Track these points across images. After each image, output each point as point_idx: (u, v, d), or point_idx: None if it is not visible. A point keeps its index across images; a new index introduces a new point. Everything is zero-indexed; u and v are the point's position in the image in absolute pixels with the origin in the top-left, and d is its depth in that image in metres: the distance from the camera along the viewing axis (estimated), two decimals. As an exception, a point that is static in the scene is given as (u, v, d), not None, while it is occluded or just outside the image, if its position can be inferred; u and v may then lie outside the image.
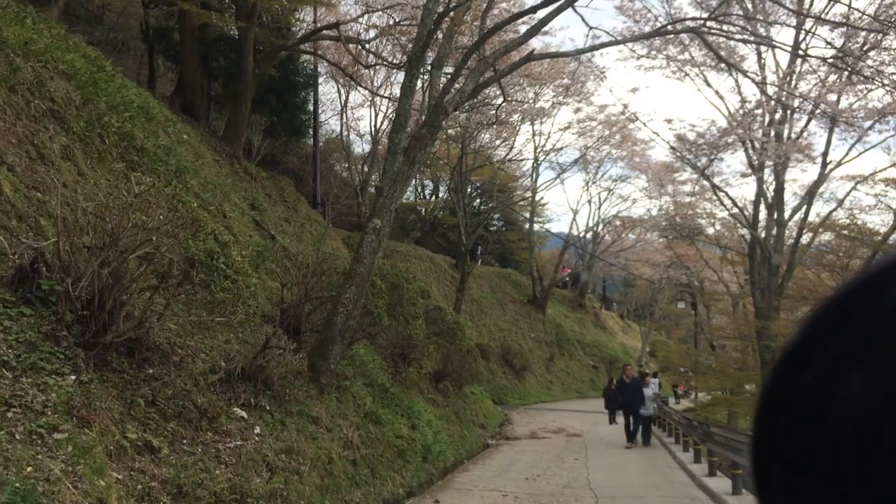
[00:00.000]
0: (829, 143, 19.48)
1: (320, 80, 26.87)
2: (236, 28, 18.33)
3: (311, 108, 25.33)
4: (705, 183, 23.90)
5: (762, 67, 17.92)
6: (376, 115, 31.38)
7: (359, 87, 27.41)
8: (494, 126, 29.06)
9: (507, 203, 39.15)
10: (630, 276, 50.04)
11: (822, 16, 12.67)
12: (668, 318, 52.33)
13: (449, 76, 10.35)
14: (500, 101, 18.42)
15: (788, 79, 16.62)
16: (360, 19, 20.27)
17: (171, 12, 19.21)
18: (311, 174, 25.42)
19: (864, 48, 13.34)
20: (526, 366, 30.69)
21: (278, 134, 23.09)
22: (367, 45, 19.32)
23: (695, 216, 27.81)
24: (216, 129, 19.96)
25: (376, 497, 8.40)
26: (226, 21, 18.71)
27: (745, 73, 14.57)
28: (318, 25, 20.84)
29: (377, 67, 25.92)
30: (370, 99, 30.40)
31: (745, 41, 12.27)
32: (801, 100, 15.93)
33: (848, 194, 21.32)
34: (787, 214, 20.62)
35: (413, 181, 40.56)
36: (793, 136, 19.19)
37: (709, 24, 10.00)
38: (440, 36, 10.73)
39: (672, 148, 22.74)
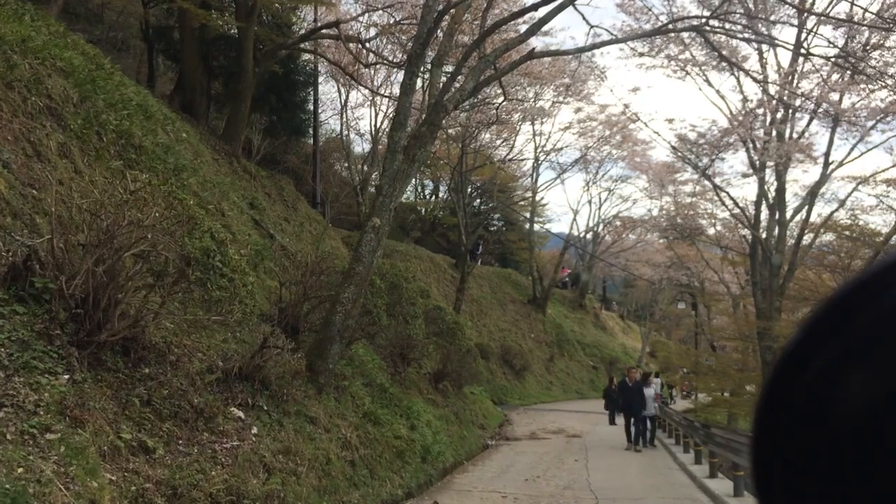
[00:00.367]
0: (831, 142, 19.43)
1: (320, 79, 26.81)
2: (236, 27, 18.26)
3: (310, 107, 25.25)
4: (706, 183, 23.84)
5: (764, 67, 17.87)
6: (376, 115, 31.33)
7: (359, 87, 27.34)
8: (495, 125, 29.00)
9: (508, 203, 39.08)
10: (630, 276, 49.95)
11: (826, 13, 12.57)
12: (668, 318, 52.24)
13: (449, 74, 10.27)
14: (500, 99, 18.32)
15: (790, 77, 16.53)
16: (361, 18, 20.19)
17: (170, 11, 19.16)
18: (311, 173, 25.34)
19: (868, 47, 13.24)
20: (526, 366, 30.61)
21: (278, 133, 23.03)
22: (367, 44, 19.24)
23: (695, 216, 27.73)
24: (216, 129, 19.89)
25: (375, 498, 8.33)
26: (226, 20, 18.65)
27: (746, 72, 14.49)
28: (318, 24, 20.75)
29: (377, 67, 25.84)
30: (370, 98, 30.33)
31: (747, 40, 12.20)
32: (803, 99, 15.83)
33: (849, 195, 21.27)
34: (788, 215, 20.55)
35: (413, 181, 40.48)
36: (794, 135, 19.12)
37: (711, 22, 9.93)
38: (440, 34, 10.66)
39: (673, 148, 22.68)
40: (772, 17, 12.40)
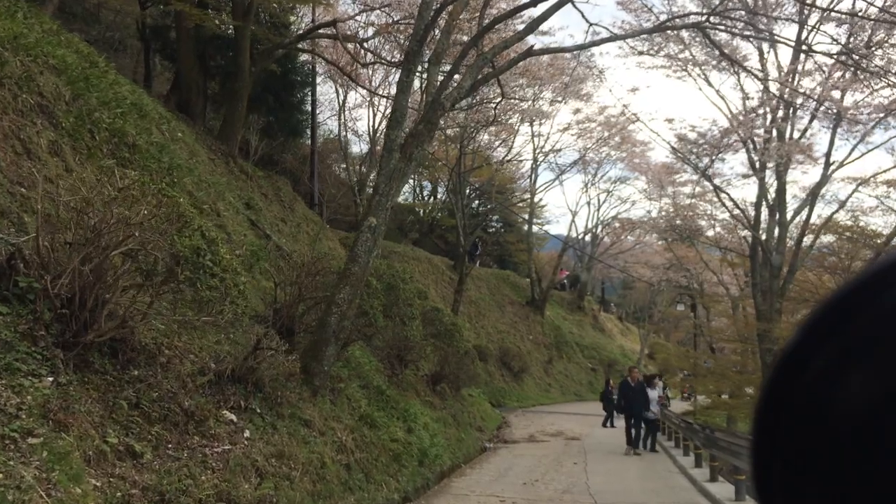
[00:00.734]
0: (832, 142, 19.31)
1: (318, 80, 26.70)
2: (233, 26, 18.12)
3: (308, 107, 25.15)
4: (706, 184, 23.73)
5: (764, 66, 17.72)
6: (374, 116, 31.26)
7: (357, 87, 27.24)
8: (493, 127, 28.90)
9: (506, 204, 38.95)
10: (629, 278, 49.81)
11: (830, 7, 12.40)
12: (666, 320, 52.08)
13: (447, 72, 10.13)
14: (498, 99, 18.17)
15: (792, 76, 16.39)
16: (359, 17, 20.06)
17: (167, 11, 19.05)
18: (309, 174, 25.22)
19: (871, 42, 13.05)
20: (524, 368, 30.46)
21: (275, 134, 22.88)
22: (364, 44, 19.12)
23: (695, 217, 27.62)
24: (213, 129, 19.75)
25: (370, 503, 8.18)
26: (222, 20, 18.52)
27: (747, 70, 14.34)
28: (316, 24, 20.62)
29: (375, 67, 25.76)
30: (369, 99, 30.25)
31: (748, 37, 12.06)
32: (804, 97, 15.68)
33: (850, 196, 21.13)
34: (788, 216, 20.43)
35: (412, 182, 40.41)
36: (795, 135, 19.00)
37: (712, 19, 9.80)
38: (437, 32, 10.52)
39: (673, 149, 22.56)
40: (774, 14, 12.25)
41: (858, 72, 10.97)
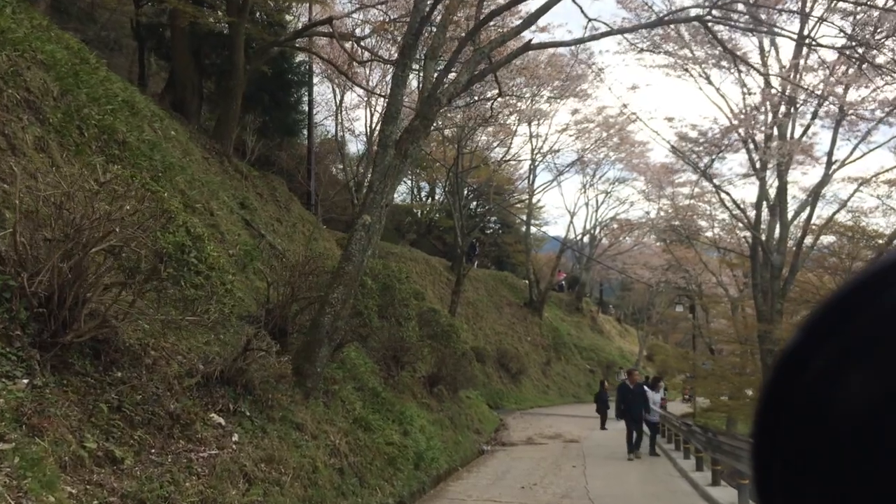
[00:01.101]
0: (833, 141, 19.13)
1: (315, 80, 26.52)
2: (227, 23, 17.91)
3: (304, 107, 24.98)
4: (705, 185, 23.56)
5: (765, 63, 17.51)
6: (372, 116, 31.01)
7: (354, 87, 27.06)
8: (491, 127, 28.73)
9: (504, 205, 38.76)
10: (627, 279, 49.62)
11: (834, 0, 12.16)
12: (665, 321, 51.91)
13: (443, 68, 9.92)
14: (495, 96, 17.97)
15: (794, 71, 16.17)
16: (355, 15, 19.86)
17: (162, 9, 18.84)
18: (305, 174, 25.03)
19: (877, 32, 12.76)
20: (522, 370, 30.27)
21: (271, 133, 22.67)
22: (361, 42, 18.92)
23: (694, 216, 27.47)
24: (208, 129, 19.53)
25: (364, 508, 7.97)
26: (217, 17, 18.29)
27: (749, 64, 14.12)
28: (312, 22, 20.42)
29: (373, 67, 25.59)
30: (366, 99, 30.08)
31: (749, 30, 11.85)
32: (807, 92, 15.45)
33: (852, 195, 20.97)
34: (789, 215, 20.24)
35: (409, 183, 40.28)
36: (797, 133, 18.83)
37: (714, 12, 9.59)
38: (433, 29, 10.32)
39: (673, 148, 22.37)
40: (777, 6, 12.02)
41: (864, 66, 10.76)
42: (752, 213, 21.20)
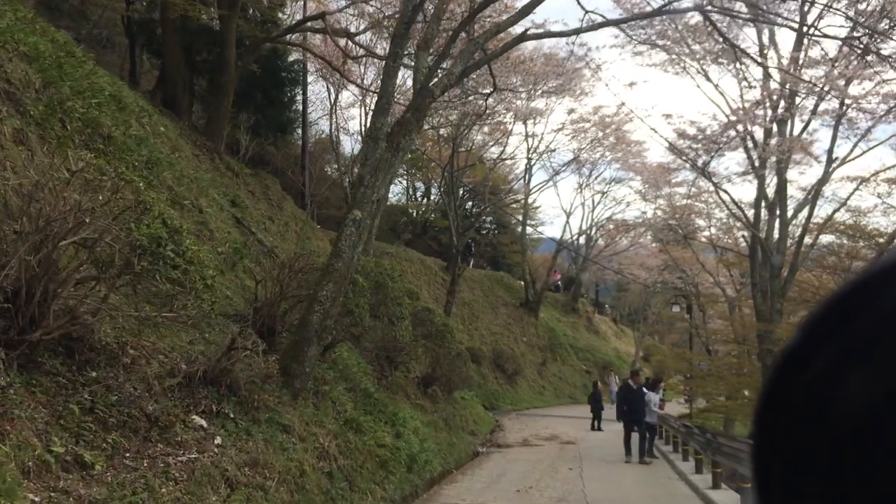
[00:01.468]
0: (834, 137, 18.89)
1: (310, 78, 26.28)
2: (218, 16, 17.63)
3: (298, 105, 24.72)
4: (701, 184, 23.33)
5: (764, 58, 17.24)
6: (367, 114, 30.71)
7: (348, 85, 26.82)
8: (487, 126, 28.50)
9: (500, 205, 38.52)
10: (624, 280, 49.37)
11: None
12: (661, 322, 51.71)
13: (435, 59, 9.66)
14: (490, 94, 17.71)
15: (795, 64, 15.90)
16: (349, 10, 19.60)
17: (153, 5, 18.59)
18: (299, 173, 24.77)
19: (882, 19, 12.47)
20: (518, 370, 30.03)
21: (264, 132, 22.40)
22: (354, 38, 18.66)
23: (691, 215, 27.26)
24: (200, 126, 19.27)
25: (354, 513, 7.70)
26: (208, 12, 18.01)
27: (749, 56, 13.88)
28: (305, 17, 20.16)
29: (367, 65, 25.35)
30: (360, 98, 29.82)
31: (750, 20, 11.61)
32: (807, 84, 15.17)
33: (852, 194, 20.74)
34: (788, 214, 20.02)
35: (405, 183, 40.07)
36: (795, 131, 18.60)
37: (714, 1, 9.34)
38: (426, 18, 10.07)
39: (671, 145, 22.13)
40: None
41: (868, 56, 10.51)
42: (750, 212, 20.97)
